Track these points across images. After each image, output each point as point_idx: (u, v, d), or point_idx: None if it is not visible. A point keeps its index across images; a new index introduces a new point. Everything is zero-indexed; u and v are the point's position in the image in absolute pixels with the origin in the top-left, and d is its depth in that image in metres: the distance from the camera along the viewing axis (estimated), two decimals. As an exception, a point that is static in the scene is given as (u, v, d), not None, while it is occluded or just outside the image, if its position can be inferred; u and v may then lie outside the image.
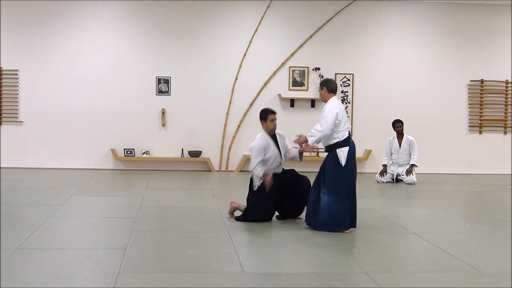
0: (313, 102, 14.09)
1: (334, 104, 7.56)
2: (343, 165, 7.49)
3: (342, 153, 7.50)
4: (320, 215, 7.44)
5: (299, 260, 6.03)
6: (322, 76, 13.90)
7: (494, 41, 14.55)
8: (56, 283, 5.08)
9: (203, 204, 9.31)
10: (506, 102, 14.61)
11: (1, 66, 13.52)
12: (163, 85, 13.86)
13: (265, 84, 14.00)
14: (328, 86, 7.75)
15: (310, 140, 7.57)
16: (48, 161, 13.62)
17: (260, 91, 13.98)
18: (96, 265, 5.59)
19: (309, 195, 7.74)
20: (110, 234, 7.08)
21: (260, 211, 7.94)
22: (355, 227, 7.58)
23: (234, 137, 13.86)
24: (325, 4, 14.06)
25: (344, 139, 7.52)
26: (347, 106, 14.14)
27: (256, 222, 7.85)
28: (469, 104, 14.59)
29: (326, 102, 7.73)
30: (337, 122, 7.44)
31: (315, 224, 7.52)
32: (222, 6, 13.92)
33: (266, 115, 8.19)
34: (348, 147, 7.54)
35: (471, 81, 14.55)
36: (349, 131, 7.64)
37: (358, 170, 14.12)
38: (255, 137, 8.16)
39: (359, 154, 14.06)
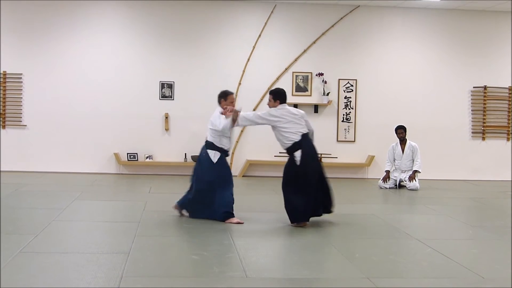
0: (316, 108, 14.11)
1: None
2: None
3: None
4: None
5: (302, 265, 6.03)
6: (326, 82, 13.94)
7: (497, 47, 14.55)
8: (59, 286, 5.09)
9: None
10: (509, 108, 14.60)
11: (0, 69, 13.55)
12: (167, 90, 13.89)
13: (269, 89, 14.01)
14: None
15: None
16: (51, 165, 13.64)
17: (263, 96, 13.98)
18: (99, 269, 5.60)
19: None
20: (113, 238, 7.09)
21: None
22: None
23: (237, 142, 13.86)
24: (328, 10, 14.09)
25: None
26: (350, 112, 14.17)
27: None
28: (472, 110, 14.59)
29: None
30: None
31: None
32: (226, 11, 13.96)
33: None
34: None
35: (474, 87, 14.55)
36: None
37: (361, 176, 14.31)
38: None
39: (362, 159, 14.17)
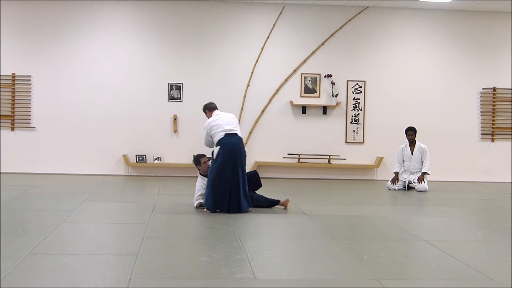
0: (324, 109, 14.10)
1: (209, 120, 9.38)
2: (213, 158, 9.09)
3: (215, 150, 9.07)
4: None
5: (310, 267, 6.02)
6: (334, 83, 13.93)
7: (507, 48, 14.48)
8: (68, 288, 5.12)
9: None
10: (519, 109, 14.57)
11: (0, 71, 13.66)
12: (175, 92, 13.90)
13: (277, 90, 14.02)
14: (207, 108, 9.71)
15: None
16: (60, 167, 13.68)
17: (272, 98, 14.00)
18: (107, 271, 5.61)
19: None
20: (122, 240, 7.10)
21: None
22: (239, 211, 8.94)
23: (245, 143, 13.86)
24: (337, 11, 14.08)
25: (218, 140, 9.06)
26: (358, 113, 14.15)
27: None
28: (481, 112, 14.54)
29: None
30: (211, 132, 9.22)
31: None
32: (235, 13, 13.97)
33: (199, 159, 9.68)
34: (218, 147, 9.02)
35: (483, 88, 14.51)
36: (231, 132, 9.15)
37: (369, 177, 14.23)
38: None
39: (370, 161, 14.14)
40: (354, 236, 7.75)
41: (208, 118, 9.51)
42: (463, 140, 14.47)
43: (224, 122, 9.27)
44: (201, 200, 9.32)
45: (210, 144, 9.41)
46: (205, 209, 9.05)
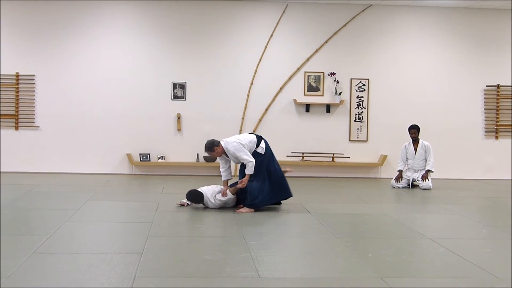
0: (328, 107, 14.09)
1: (233, 144, 9.01)
2: (263, 153, 9.21)
3: (262, 145, 9.26)
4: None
5: (315, 265, 6.02)
6: (338, 81, 13.91)
7: (510, 46, 14.45)
8: (72, 287, 5.11)
9: (218, 209, 9.31)
10: (523, 107, 14.54)
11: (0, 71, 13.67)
12: (179, 90, 13.91)
13: (281, 89, 14.02)
14: (215, 145, 9.17)
15: (250, 172, 9.05)
16: (64, 166, 13.70)
17: (275, 96, 14.00)
18: (112, 270, 5.61)
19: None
20: (126, 238, 7.10)
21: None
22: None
23: (249, 142, 13.86)
24: (340, 9, 14.07)
25: (256, 143, 9.22)
26: (362, 111, 14.14)
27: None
28: (485, 109, 14.52)
29: (231, 150, 9.04)
30: (247, 148, 9.06)
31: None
32: (238, 12, 13.97)
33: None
34: (262, 140, 9.29)
35: (487, 86, 14.48)
36: (253, 133, 9.53)
37: (373, 176, 14.25)
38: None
39: (374, 159, 14.14)
40: (358, 234, 7.75)
41: (217, 152, 9.22)
42: (467, 137, 14.46)
43: (239, 134, 9.74)
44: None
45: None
46: (239, 210, 9.09)
